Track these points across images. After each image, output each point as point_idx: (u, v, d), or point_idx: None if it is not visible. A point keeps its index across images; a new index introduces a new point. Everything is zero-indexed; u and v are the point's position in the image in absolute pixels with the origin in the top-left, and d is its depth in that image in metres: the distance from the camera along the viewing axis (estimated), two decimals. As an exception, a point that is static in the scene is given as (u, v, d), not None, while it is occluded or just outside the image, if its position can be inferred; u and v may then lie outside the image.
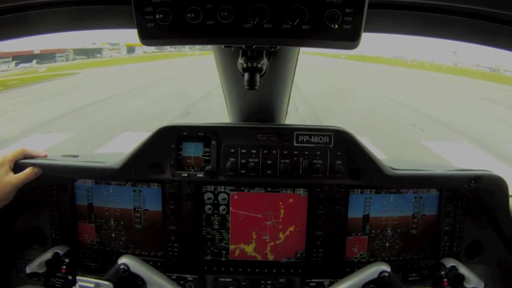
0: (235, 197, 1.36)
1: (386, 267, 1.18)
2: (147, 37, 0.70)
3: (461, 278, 1.27)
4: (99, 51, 35.85)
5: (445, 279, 1.28)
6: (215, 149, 1.30)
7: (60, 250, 1.29)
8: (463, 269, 1.27)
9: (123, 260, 1.19)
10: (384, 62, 36.18)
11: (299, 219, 1.36)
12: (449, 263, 1.28)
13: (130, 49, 38.82)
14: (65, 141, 7.61)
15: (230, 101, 1.53)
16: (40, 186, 1.42)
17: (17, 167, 1.27)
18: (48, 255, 1.29)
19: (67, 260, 1.28)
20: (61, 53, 29.52)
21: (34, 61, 25.10)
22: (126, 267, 1.18)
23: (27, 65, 23.92)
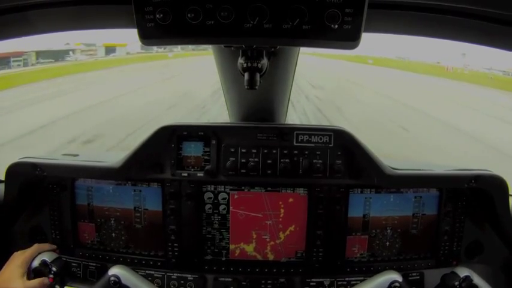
0: (236, 196, 1.36)
1: (397, 277, 1.14)
2: (147, 37, 0.70)
3: None
4: (69, 52, 29.97)
5: None
6: (215, 148, 1.30)
7: (48, 257, 1.23)
8: (477, 279, 1.20)
9: (113, 271, 1.14)
10: (420, 70, 26.16)
11: (299, 218, 1.36)
12: (463, 272, 1.19)
13: (111, 50, 33.98)
14: None
15: (230, 101, 1.53)
16: (40, 186, 1.42)
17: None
18: (35, 262, 1.23)
19: (54, 269, 1.22)
20: (17, 56, 24.12)
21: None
22: (116, 279, 1.12)
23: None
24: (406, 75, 23.88)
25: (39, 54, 26.92)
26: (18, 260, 1.22)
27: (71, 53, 29.88)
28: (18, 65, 24.27)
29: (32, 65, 25.53)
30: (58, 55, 28.67)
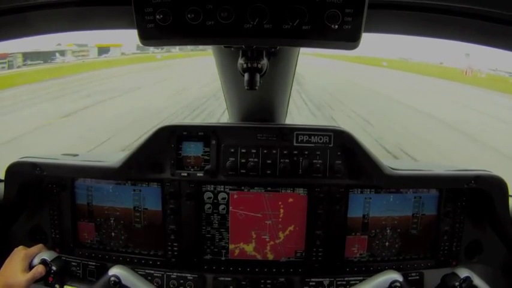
0: (235, 196, 1.36)
1: (397, 276, 1.14)
2: (147, 37, 0.70)
3: None
4: (61, 53, 27.85)
5: None
6: (215, 148, 1.30)
7: (48, 256, 1.22)
8: (477, 280, 1.18)
9: (114, 271, 1.13)
10: (436, 74, 23.94)
11: (299, 218, 1.36)
12: (463, 273, 1.19)
13: (105, 50, 32.68)
14: None
15: (230, 101, 1.53)
16: (40, 186, 1.42)
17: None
18: (35, 261, 1.22)
19: (54, 268, 1.21)
20: (1, 58, 22.21)
21: None
22: (117, 279, 1.12)
23: None
24: (429, 81, 21.35)
25: (27, 55, 25.13)
26: (19, 255, 1.22)
27: (57, 54, 27.79)
28: (3, 68, 22.35)
29: (18, 67, 23.64)
30: (48, 56, 26.73)
